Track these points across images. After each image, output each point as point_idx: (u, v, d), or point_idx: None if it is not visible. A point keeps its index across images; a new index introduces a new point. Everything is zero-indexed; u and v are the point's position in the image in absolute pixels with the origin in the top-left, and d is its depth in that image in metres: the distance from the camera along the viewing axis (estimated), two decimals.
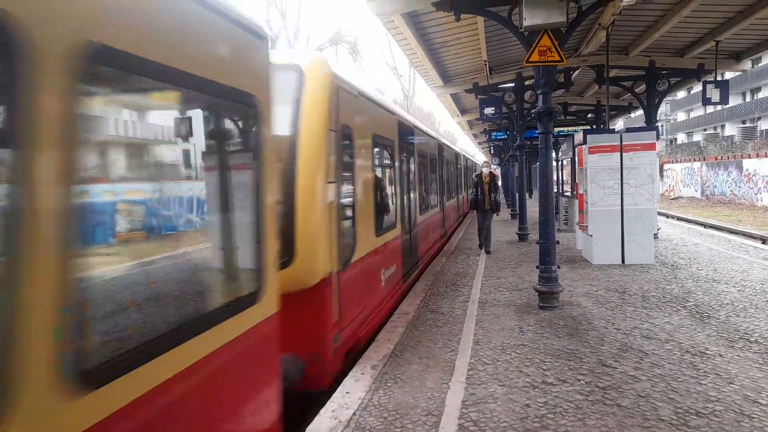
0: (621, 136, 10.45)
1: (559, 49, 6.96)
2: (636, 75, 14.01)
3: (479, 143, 44.06)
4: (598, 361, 5.21)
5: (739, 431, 3.75)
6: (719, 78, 13.63)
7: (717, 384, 4.56)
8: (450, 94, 17.15)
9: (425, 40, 11.56)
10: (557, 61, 7.01)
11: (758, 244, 13.17)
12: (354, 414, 4.22)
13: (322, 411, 4.28)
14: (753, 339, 5.66)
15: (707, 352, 5.35)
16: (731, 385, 4.54)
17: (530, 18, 6.78)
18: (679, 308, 6.99)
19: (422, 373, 5.07)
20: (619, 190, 10.34)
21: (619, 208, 10.33)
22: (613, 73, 13.76)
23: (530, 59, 7.04)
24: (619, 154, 10.34)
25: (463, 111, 22.49)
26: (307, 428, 4.00)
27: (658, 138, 11.39)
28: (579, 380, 4.76)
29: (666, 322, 6.40)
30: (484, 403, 4.35)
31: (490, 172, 12.66)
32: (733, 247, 12.22)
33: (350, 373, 5.07)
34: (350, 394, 4.60)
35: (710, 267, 9.75)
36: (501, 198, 12.80)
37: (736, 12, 10.48)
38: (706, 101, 13.26)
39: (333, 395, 4.58)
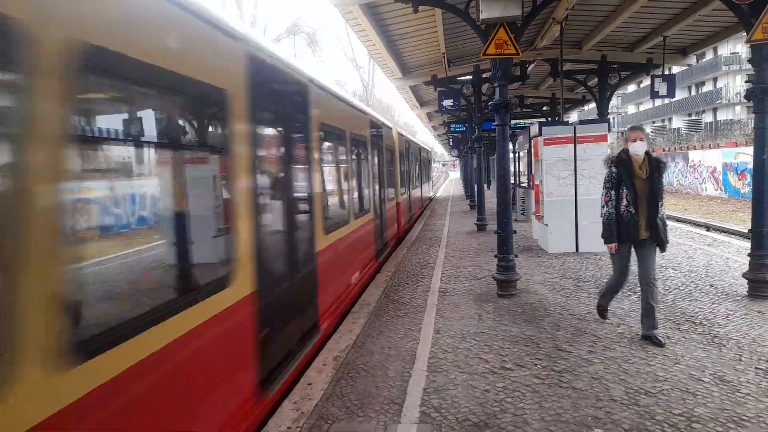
0: (575, 127, 10.75)
1: (515, 42, 7.08)
2: (589, 69, 14.40)
3: (438, 135, 44.47)
4: (554, 346, 5.37)
5: (685, 407, 3.94)
6: (667, 72, 14.17)
7: (665, 364, 4.78)
8: (409, 87, 17.20)
9: (384, 32, 11.54)
10: (513, 54, 7.14)
11: (703, 231, 13.83)
12: (316, 405, 4.22)
13: (285, 402, 4.27)
14: (698, 321, 5.96)
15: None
16: (677, 365, 4.77)
17: (487, 11, 6.87)
18: (630, 294, 7.25)
19: (384, 362, 5.11)
20: (573, 181, 10.64)
21: (573, 198, 10.64)
22: (567, 66, 14.09)
23: (487, 52, 7.14)
24: (572, 145, 10.63)
25: (423, 103, 22.62)
26: (270, 420, 3.98)
27: (609, 130, 11.77)
28: (536, 365, 4.90)
29: (617, 307, 6.64)
30: (445, 390, 4.43)
31: (649, 154, 5.59)
32: (679, 234, 12.77)
33: (312, 365, 5.06)
34: (312, 385, 4.59)
35: (658, 253, 10.14)
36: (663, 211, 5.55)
37: (681, 8, 10.89)
38: (654, 95, 13.76)
39: (295, 387, 4.57)
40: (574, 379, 4.54)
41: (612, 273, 5.97)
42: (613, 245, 5.58)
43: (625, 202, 5.46)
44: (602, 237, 5.65)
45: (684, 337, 5.47)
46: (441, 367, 4.92)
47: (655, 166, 5.51)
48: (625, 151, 5.59)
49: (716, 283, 7.59)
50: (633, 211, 5.42)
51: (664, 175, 5.55)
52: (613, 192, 5.56)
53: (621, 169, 5.53)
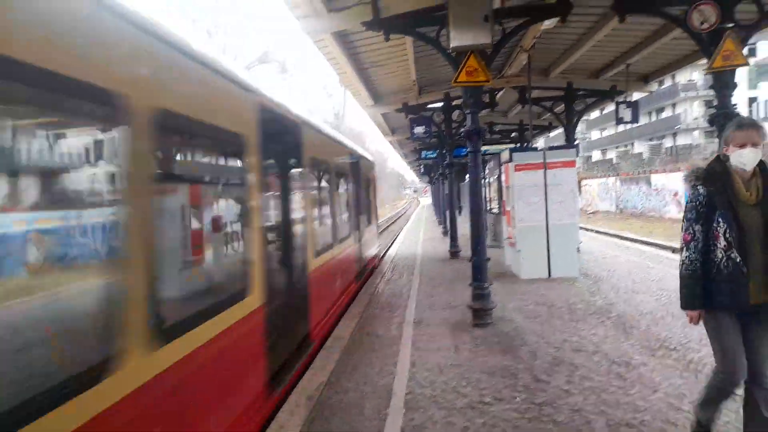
0: (544, 153, 10.88)
1: (485, 69, 7.14)
2: (556, 96, 14.72)
3: (410, 162, 44.79)
4: (532, 377, 5.26)
5: None
6: (630, 99, 14.59)
7: (643, 393, 4.72)
8: (381, 114, 17.29)
9: (356, 60, 11.59)
10: (484, 81, 7.19)
11: (669, 254, 14.06)
12: None
13: None
14: (672, 347, 5.94)
15: (632, 362, 5.55)
16: (656, 393, 4.71)
17: (458, 39, 6.93)
18: (604, 319, 7.25)
19: (360, 400, 4.91)
20: (544, 206, 10.71)
21: (545, 223, 10.70)
22: (534, 93, 14.40)
23: (458, 79, 7.17)
24: (543, 171, 10.74)
25: (394, 130, 22.75)
26: None
27: (577, 155, 11.97)
28: (515, 398, 4.78)
29: (592, 333, 6.61)
30: (423, 428, 4.26)
31: (763, 164, 3.26)
32: (647, 257, 12.97)
33: (284, 406, 4.83)
34: (284, 429, 4.37)
35: (629, 278, 10.27)
36: None
37: (643, 37, 11.26)
38: (619, 121, 14.12)
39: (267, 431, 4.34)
40: (554, 412, 4.42)
41: (714, 367, 3.51)
42: (695, 314, 3.38)
43: (722, 242, 3.22)
44: (680, 300, 3.45)
45: (660, 364, 5.44)
46: (419, 404, 4.75)
47: None
48: (722, 160, 3.39)
49: None
50: (738, 259, 3.17)
51: None
52: (699, 226, 3.32)
53: (714, 187, 3.30)
